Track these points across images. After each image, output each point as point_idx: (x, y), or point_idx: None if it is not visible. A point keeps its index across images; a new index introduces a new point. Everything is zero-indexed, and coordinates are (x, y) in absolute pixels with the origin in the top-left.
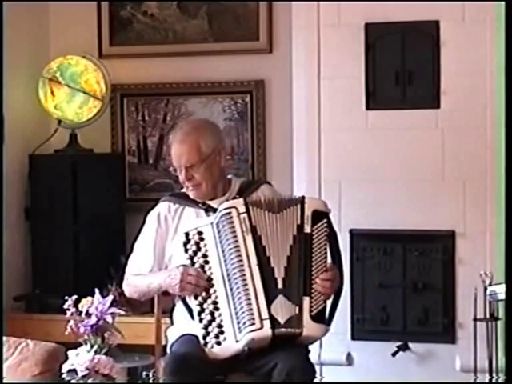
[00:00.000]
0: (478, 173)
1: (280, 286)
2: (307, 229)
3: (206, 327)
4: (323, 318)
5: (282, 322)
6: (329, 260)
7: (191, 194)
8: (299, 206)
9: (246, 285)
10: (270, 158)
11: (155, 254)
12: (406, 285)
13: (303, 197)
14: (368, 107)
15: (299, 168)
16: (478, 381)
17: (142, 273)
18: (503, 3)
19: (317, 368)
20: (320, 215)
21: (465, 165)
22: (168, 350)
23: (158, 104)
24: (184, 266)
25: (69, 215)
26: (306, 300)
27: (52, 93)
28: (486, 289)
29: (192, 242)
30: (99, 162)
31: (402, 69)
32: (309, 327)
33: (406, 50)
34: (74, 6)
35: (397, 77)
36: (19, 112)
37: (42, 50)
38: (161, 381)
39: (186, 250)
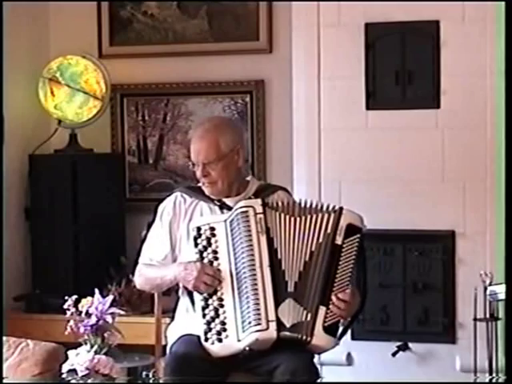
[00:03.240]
0: (478, 173)
1: (290, 289)
2: (338, 240)
3: (208, 323)
4: (335, 332)
5: (287, 325)
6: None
7: (206, 191)
8: (333, 215)
9: (255, 284)
10: (270, 158)
11: (171, 241)
12: (406, 285)
13: (341, 207)
14: (368, 107)
15: (299, 168)
16: (478, 381)
17: (155, 261)
18: (503, 3)
19: None
20: (354, 230)
21: (465, 165)
22: (168, 351)
23: (158, 104)
24: (201, 262)
25: (69, 215)
26: (322, 310)
27: (52, 93)
28: (486, 289)
29: (203, 236)
30: (99, 161)
31: (401, 69)
32: (319, 337)
33: (406, 50)
34: (74, 6)
35: (397, 77)
36: (19, 112)
37: (42, 50)
38: (161, 381)
39: (197, 245)
